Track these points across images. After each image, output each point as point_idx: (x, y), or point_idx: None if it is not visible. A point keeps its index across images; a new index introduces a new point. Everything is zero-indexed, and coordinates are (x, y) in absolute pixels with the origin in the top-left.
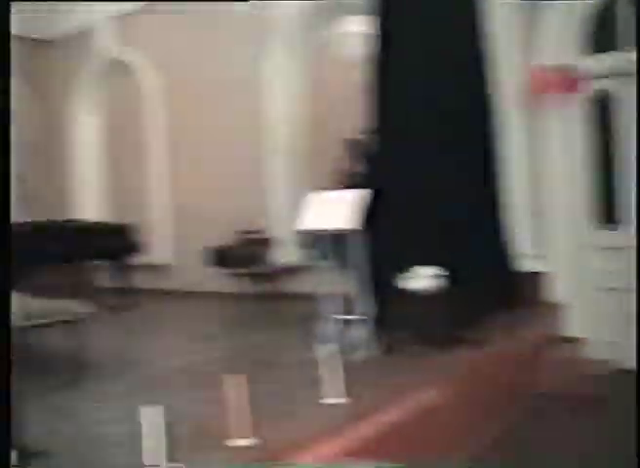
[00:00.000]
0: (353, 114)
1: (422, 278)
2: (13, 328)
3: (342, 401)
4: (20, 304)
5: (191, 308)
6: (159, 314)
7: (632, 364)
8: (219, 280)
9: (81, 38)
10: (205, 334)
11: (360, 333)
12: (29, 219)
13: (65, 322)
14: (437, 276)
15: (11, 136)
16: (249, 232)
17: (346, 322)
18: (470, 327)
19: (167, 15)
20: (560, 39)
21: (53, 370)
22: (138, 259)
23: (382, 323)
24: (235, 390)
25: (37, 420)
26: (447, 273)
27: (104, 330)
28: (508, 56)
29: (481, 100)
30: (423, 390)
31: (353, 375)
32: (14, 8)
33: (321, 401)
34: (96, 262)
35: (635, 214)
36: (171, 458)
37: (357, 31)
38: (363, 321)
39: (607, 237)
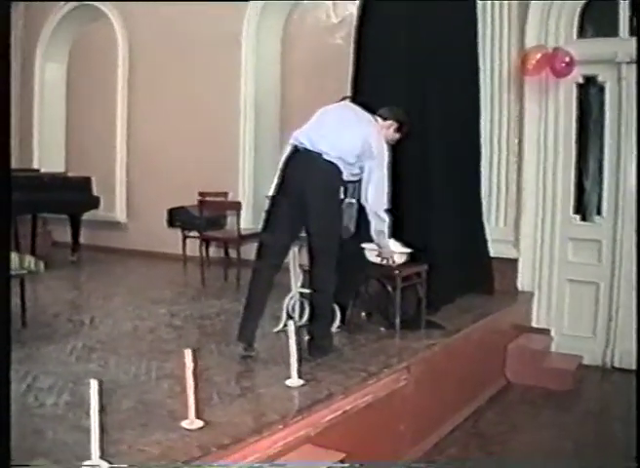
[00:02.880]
0: (330, 79)
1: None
2: None
3: (300, 383)
4: None
5: (146, 269)
6: (112, 273)
7: (597, 360)
8: (177, 242)
9: None
10: (155, 298)
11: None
12: None
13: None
14: (405, 251)
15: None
16: (213, 194)
17: (308, 296)
18: (439, 309)
19: None
20: (553, 22)
21: None
22: (96, 215)
23: (347, 300)
24: (183, 365)
25: None
26: (416, 250)
27: (54, 286)
28: (499, 37)
29: (467, 81)
30: (384, 374)
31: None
32: None
33: (276, 381)
34: (52, 216)
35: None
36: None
37: None
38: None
39: (579, 228)
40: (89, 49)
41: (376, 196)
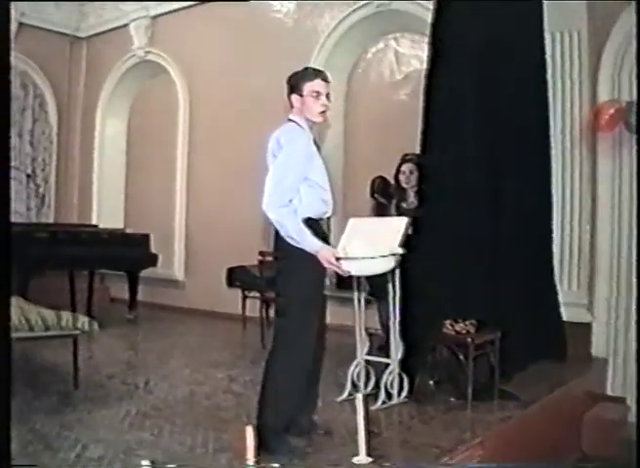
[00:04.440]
0: (394, 136)
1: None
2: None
3: (368, 460)
4: (19, 313)
5: (204, 329)
6: (169, 333)
7: None
8: (237, 301)
9: (114, 36)
10: (214, 360)
11: (390, 379)
12: (44, 221)
13: (64, 336)
14: (372, 256)
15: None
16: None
17: (376, 364)
18: (511, 378)
19: (204, 19)
20: (626, 75)
21: (42, 389)
22: (154, 273)
23: (415, 369)
24: (242, 438)
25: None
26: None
27: (110, 345)
28: (570, 91)
29: (538, 139)
30: (458, 450)
31: (380, 429)
32: (50, 2)
33: (342, 458)
34: (111, 272)
35: None
36: None
37: (405, 51)
38: (394, 365)
39: None
40: (149, 104)
41: (265, 194)
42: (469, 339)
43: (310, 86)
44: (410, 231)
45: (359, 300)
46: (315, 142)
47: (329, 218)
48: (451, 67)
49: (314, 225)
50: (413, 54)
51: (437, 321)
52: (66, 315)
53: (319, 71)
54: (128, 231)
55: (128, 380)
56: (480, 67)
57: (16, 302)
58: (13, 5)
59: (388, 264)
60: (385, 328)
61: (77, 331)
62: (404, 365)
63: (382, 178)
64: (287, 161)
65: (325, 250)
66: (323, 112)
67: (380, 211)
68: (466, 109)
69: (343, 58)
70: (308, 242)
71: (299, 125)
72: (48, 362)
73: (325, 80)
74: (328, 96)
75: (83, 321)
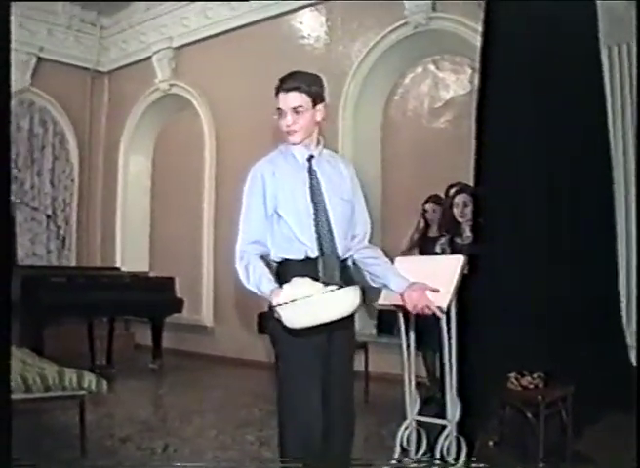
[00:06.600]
0: (436, 167)
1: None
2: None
3: None
4: (19, 368)
5: (234, 380)
6: (195, 385)
7: None
8: (269, 349)
9: (136, 70)
10: (242, 419)
11: (447, 444)
12: (65, 264)
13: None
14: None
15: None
16: None
17: (428, 425)
18: (582, 435)
19: (229, 48)
20: None
21: (45, 456)
22: (180, 318)
23: (476, 430)
24: None
25: None
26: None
27: (129, 401)
28: (632, 106)
29: (599, 161)
30: None
31: None
32: (70, 36)
33: None
34: (133, 318)
35: None
36: None
37: (445, 75)
38: (451, 427)
39: None
40: (174, 140)
41: None
42: (540, 397)
43: (276, 101)
44: (466, 271)
45: (408, 349)
46: (310, 163)
47: (319, 259)
48: (504, 92)
49: (294, 269)
50: (454, 78)
51: (500, 375)
52: (70, 373)
53: (283, 80)
54: (151, 274)
55: (144, 445)
56: (535, 90)
57: (19, 355)
58: (31, 39)
59: (347, 303)
60: (433, 378)
61: (82, 392)
62: (461, 425)
63: (436, 196)
64: (245, 199)
65: (274, 293)
66: (291, 132)
67: (426, 245)
68: (523, 136)
69: (379, 85)
70: (262, 287)
71: (281, 151)
72: (57, 422)
73: (287, 90)
74: (297, 110)
75: (89, 379)
